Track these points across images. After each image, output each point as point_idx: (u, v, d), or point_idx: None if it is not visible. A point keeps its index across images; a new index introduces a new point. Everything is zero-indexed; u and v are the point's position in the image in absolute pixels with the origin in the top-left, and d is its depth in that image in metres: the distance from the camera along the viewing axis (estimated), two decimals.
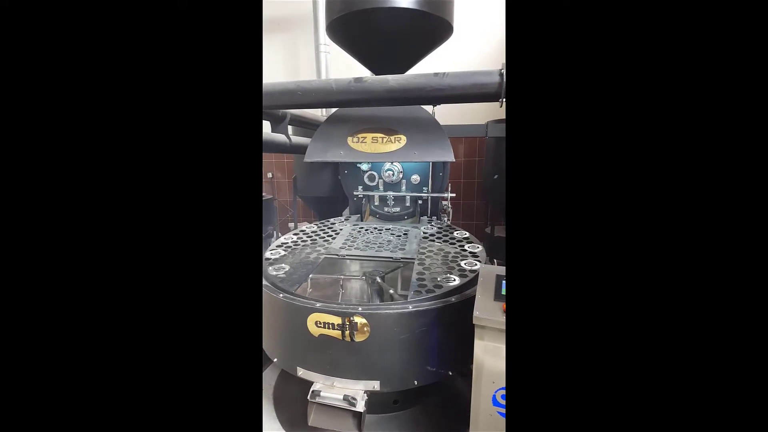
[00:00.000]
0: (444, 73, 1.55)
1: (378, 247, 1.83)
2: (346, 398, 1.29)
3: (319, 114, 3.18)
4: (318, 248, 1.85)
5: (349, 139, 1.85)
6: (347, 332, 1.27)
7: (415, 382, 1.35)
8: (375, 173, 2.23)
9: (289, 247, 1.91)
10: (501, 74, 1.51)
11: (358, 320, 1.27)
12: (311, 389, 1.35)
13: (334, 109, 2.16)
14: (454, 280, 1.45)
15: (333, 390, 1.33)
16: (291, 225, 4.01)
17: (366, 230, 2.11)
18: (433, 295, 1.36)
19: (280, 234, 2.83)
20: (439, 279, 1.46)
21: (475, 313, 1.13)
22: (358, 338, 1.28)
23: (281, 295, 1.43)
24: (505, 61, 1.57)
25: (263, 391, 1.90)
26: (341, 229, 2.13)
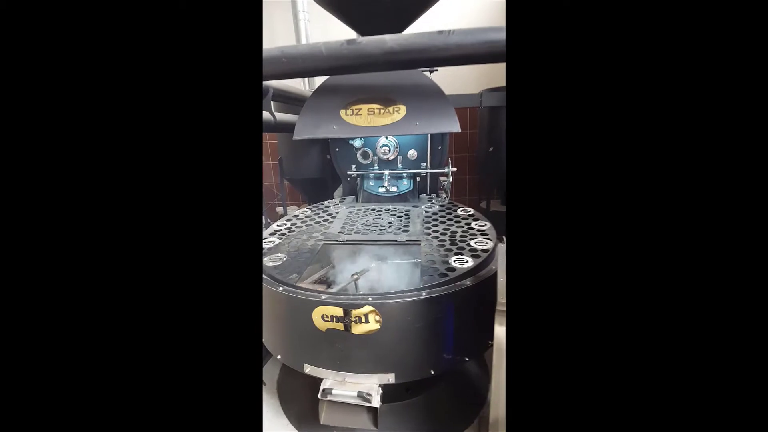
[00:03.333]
0: (449, 30, 1.38)
1: (380, 229, 1.71)
2: (360, 395, 1.20)
3: (305, 88, 2.95)
4: (315, 234, 1.71)
5: (342, 111, 1.67)
6: (356, 324, 1.16)
7: (432, 372, 1.27)
8: (369, 150, 2.07)
9: (284, 234, 1.76)
10: None
11: (369, 311, 1.16)
12: (321, 387, 1.25)
13: (319, 82, 1.96)
14: (467, 261, 1.35)
15: (345, 386, 1.23)
16: (279, 210, 3.82)
17: (364, 212, 1.97)
18: (446, 279, 1.26)
19: (270, 221, 2.66)
20: (452, 261, 1.36)
21: (501, 298, 1.04)
22: (370, 330, 1.18)
23: (281, 288, 1.30)
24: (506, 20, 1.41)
25: (268, 386, 1.80)
26: (337, 212, 1.99)
